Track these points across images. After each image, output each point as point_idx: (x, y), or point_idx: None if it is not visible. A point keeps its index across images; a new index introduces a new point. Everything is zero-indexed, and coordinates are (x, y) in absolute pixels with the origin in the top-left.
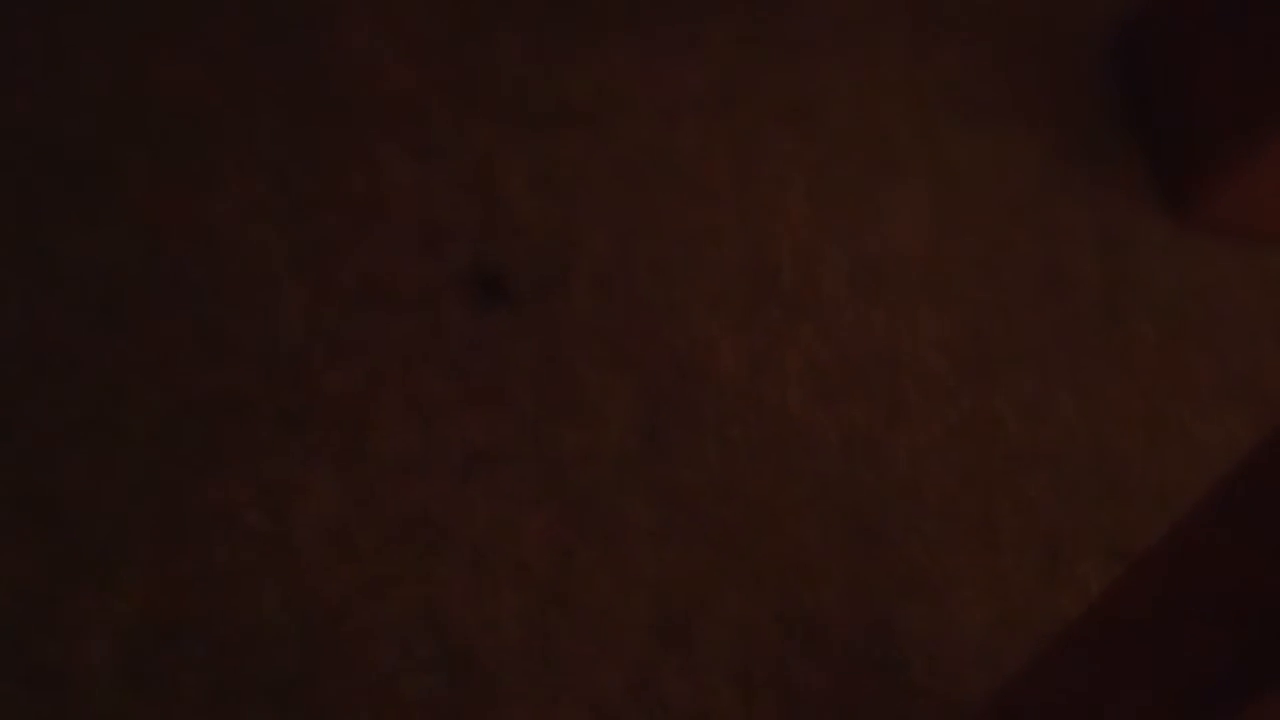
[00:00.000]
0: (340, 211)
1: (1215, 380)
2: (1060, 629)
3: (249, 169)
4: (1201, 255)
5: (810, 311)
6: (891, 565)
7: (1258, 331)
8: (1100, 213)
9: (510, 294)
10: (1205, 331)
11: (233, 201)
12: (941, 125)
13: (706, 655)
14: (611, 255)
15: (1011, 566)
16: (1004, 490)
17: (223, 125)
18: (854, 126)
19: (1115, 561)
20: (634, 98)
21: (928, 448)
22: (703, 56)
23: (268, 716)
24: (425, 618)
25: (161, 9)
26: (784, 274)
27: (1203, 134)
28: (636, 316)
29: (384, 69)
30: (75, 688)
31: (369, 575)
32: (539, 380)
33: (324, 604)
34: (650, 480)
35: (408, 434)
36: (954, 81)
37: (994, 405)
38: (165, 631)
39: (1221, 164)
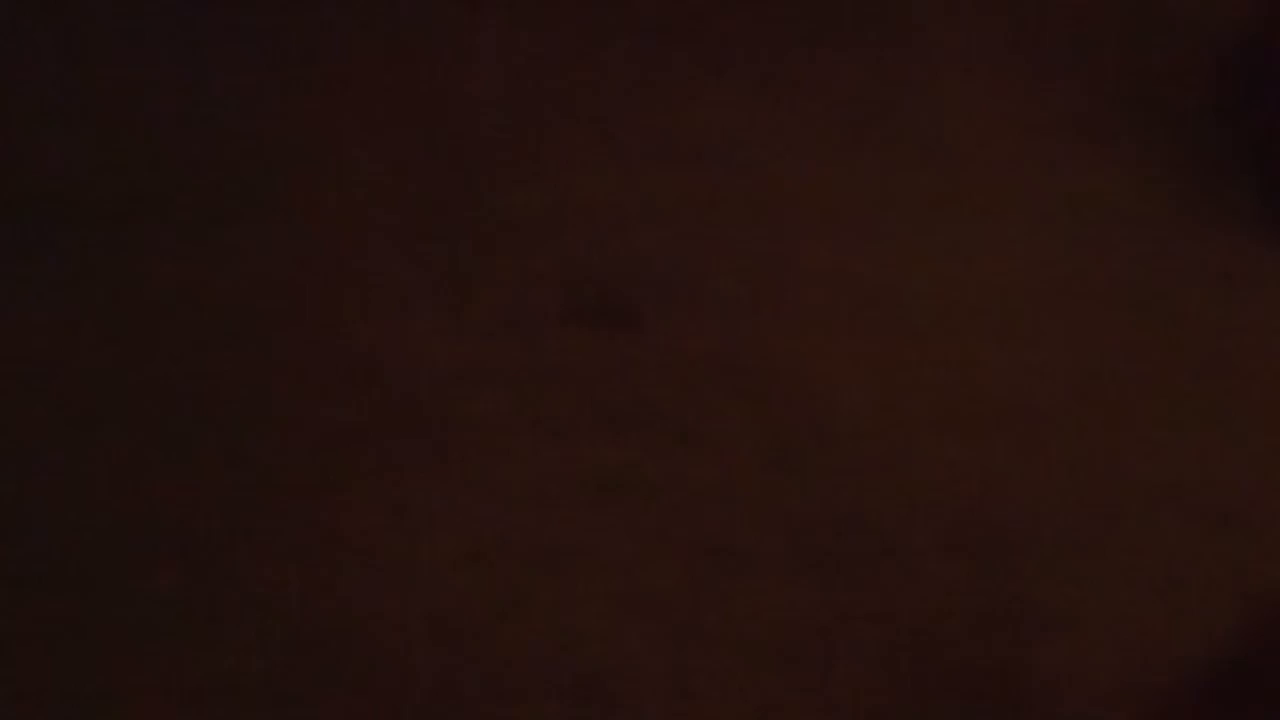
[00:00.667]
0: (470, 240)
1: None
2: (1188, 670)
3: (378, 199)
4: None
5: (938, 344)
6: (1021, 601)
7: None
8: (1222, 249)
9: (637, 321)
10: None
11: (364, 231)
12: (1062, 158)
13: (838, 687)
14: (737, 285)
15: (1143, 606)
16: (1134, 528)
17: (352, 154)
18: (977, 158)
19: (1244, 604)
20: (759, 130)
21: (1055, 483)
22: (826, 88)
23: None
24: (556, 643)
25: (290, 41)
26: (911, 306)
27: None
28: (763, 346)
29: (511, 102)
30: (220, 707)
31: (501, 599)
32: (666, 408)
33: (456, 627)
34: (780, 510)
35: (540, 460)
36: (1072, 114)
37: (1120, 441)
38: (301, 648)
39: None
